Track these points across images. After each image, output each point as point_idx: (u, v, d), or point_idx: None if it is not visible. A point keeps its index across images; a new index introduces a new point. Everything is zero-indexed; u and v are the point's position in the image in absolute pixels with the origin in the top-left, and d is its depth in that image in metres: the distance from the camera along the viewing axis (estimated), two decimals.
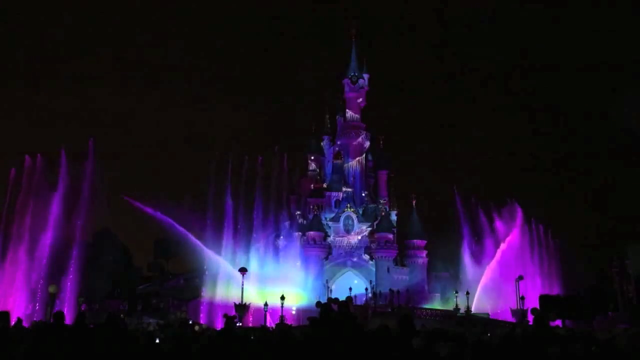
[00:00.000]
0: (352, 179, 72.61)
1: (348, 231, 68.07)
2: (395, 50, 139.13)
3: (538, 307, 44.74)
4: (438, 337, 9.16)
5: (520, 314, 46.26)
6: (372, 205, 71.69)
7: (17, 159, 47.88)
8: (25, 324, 29.01)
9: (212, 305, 54.38)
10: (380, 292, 61.36)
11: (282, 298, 47.17)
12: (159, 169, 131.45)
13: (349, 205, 68.60)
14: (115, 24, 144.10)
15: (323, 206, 70.82)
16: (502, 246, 61.87)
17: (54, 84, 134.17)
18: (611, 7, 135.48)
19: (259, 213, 62.53)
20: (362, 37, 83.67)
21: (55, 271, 44.86)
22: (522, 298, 47.91)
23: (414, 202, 71.88)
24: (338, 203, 70.52)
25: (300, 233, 67.77)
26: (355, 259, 66.49)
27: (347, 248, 67.12)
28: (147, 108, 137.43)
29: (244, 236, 60.10)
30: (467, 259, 64.02)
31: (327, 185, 72.71)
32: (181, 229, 53.97)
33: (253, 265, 56.21)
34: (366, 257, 66.71)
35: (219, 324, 45.27)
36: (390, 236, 67.27)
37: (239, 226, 59.99)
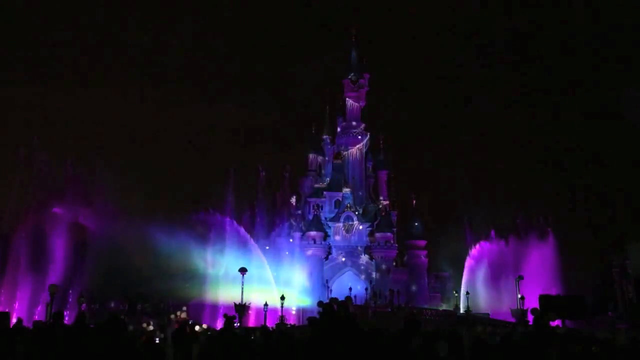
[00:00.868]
0: (352, 179, 72.63)
1: (348, 231, 68.08)
2: (395, 51, 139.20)
3: (537, 307, 44.69)
4: (438, 337, 9.17)
5: (520, 314, 46.22)
6: (372, 205, 71.72)
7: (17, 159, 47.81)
8: (25, 324, 29.01)
9: (213, 305, 54.38)
10: (380, 292, 61.40)
11: (282, 298, 47.20)
12: (159, 169, 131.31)
13: (349, 205, 68.62)
14: (116, 24, 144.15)
15: (323, 206, 70.88)
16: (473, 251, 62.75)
17: (54, 84, 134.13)
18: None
19: (260, 213, 62.57)
20: (362, 37, 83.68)
21: (56, 271, 44.92)
22: (522, 298, 47.89)
23: (414, 202, 72.01)
24: (338, 203, 70.56)
25: (300, 233, 67.83)
26: (355, 259, 66.51)
27: (347, 248, 67.13)
28: (147, 108, 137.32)
29: (244, 236, 60.08)
30: (467, 259, 64.03)
31: (327, 185, 72.74)
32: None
33: (254, 265, 56.17)
34: (366, 257, 66.74)
35: (220, 324, 45.29)
36: (390, 236, 67.30)
37: (239, 226, 59.98)
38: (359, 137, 74.79)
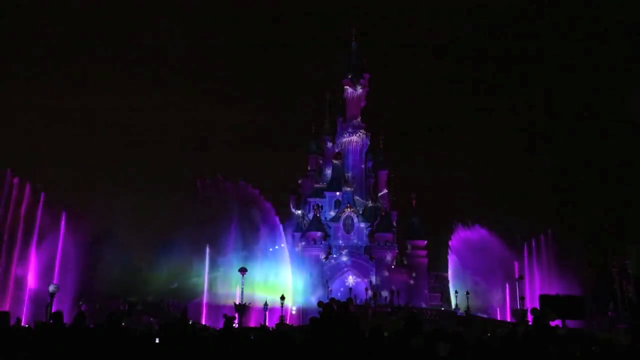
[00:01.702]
0: (352, 179, 72.63)
1: (348, 231, 68.06)
2: (395, 50, 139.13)
3: (537, 307, 44.71)
4: (438, 337, 9.16)
5: (520, 314, 46.28)
6: (372, 205, 71.71)
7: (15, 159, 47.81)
8: (24, 324, 29.00)
9: (213, 305, 54.39)
10: (380, 292, 61.41)
11: (282, 298, 47.20)
12: (159, 168, 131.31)
13: (349, 205, 68.61)
14: (116, 24, 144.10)
15: (323, 206, 70.87)
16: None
17: (54, 83, 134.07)
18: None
19: (260, 212, 62.52)
20: (362, 37, 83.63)
21: (56, 271, 44.93)
22: (522, 298, 47.95)
23: (414, 202, 72.00)
24: (338, 203, 70.54)
25: (300, 233, 67.81)
26: (355, 259, 66.48)
27: (347, 248, 67.11)
28: (147, 107, 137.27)
29: (245, 236, 60.07)
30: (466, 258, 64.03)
31: (327, 185, 72.73)
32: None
33: (254, 265, 56.18)
34: (366, 257, 66.72)
35: (220, 324, 45.23)
36: (390, 236, 67.29)
37: (240, 226, 59.97)
38: (359, 137, 74.79)
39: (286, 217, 69.41)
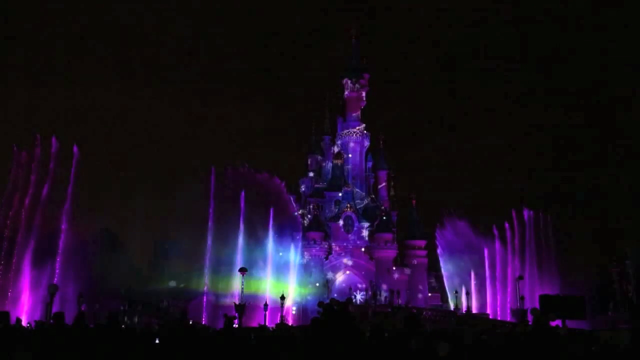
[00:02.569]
0: (352, 179, 72.61)
1: (348, 231, 68.03)
2: (395, 50, 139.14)
3: (537, 306, 44.70)
4: (438, 337, 9.15)
5: (520, 314, 46.24)
6: (372, 205, 71.69)
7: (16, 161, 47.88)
8: (24, 324, 28.98)
9: (213, 305, 54.34)
10: (380, 292, 61.39)
11: (282, 298, 47.15)
12: (159, 168, 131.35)
13: (349, 205, 68.57)
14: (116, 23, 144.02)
15: (323, 206, 70.82)
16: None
17: (54, 83, 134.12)
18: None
19: (261, 212, 62.47)
20: (362, 37, 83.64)
21: (56, 271, 44.93)
22: (522, 298, 47.90)
23: (413, 202, 72.01)
24: (338, 203, 70.50)
25: (300, 233, 67.77)
26: (355, 259, 66.46)
27: (347, 248, 67.09)
28: (146, 107, 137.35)
29: (245, 236, 60.02)
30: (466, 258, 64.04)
31: (327, 185, 72.70)
32: None
33: (254, 266, 56.12)
34: (366, 257, 66.69)
35: (220, 324, 45.16)
36: (390, 236, 67.29)
37: (240, 226, 59.92)
38: (359, 137, 74.78)
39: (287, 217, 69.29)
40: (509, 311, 52.00)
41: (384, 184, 75.19)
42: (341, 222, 68.14)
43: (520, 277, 49.45)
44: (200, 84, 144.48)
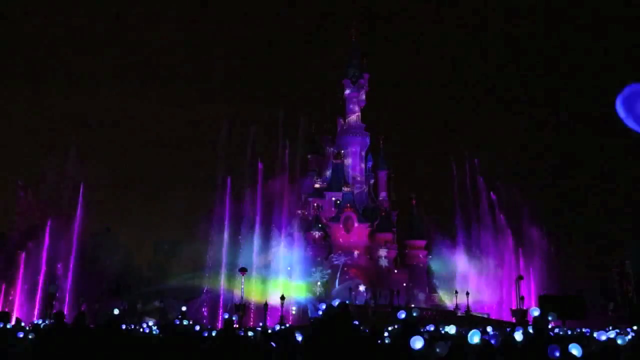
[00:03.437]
0: (352, 179, 72.62)
1: (348, 231, 68.01)
2: (395, 50, 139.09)
3: (537, 307, 44.68)
4: (438, 337, 9.16)
5: (520, 314, 46.24)
6: (372, 205, 71.67)
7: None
8: (24, 324, 28.98)
9: (213, 305, 54.39)
10: (380, 292, 61.36)
11: (282, 298, 47.13)
12: (160, 168, 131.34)
13: (349, 205, 68.55)
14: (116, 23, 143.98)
15: (323, 206, 70.82)
16: None
17: (54, 83, 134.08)
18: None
19: (261, 213, 62.52)
20: (362, 37, 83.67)
21: (56, 271, 44.98)
22: (522, 298, 47.93)
23: (413, 202, 72.01)
24: (338, 203, 70.51)
25: (300, 233, 67.72)
26: (355, 259, 66.42)
27: (347, 248, 67.06)
28: (146, 107, 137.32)
29: (245, 236, 60.08)
30: (466, 258, 64.07)
31: (327, 185, 72.71)
32: None
33: (254, 266, 56.17)
34: (366, 257, 66.65)
35: (220, 324, 45.27)
36: (390, 236, 67.22)
37: (240, 226, 59.98)
38: (359, 137, 74.82)
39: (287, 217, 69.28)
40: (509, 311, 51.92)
41: (384, 184, 75.20)
42: (341, 222, 68.11)
43: (520, 277, 49.47)
44: (199, 84, 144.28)
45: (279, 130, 62.27)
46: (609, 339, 12.71)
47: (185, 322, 23.26)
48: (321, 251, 66.33)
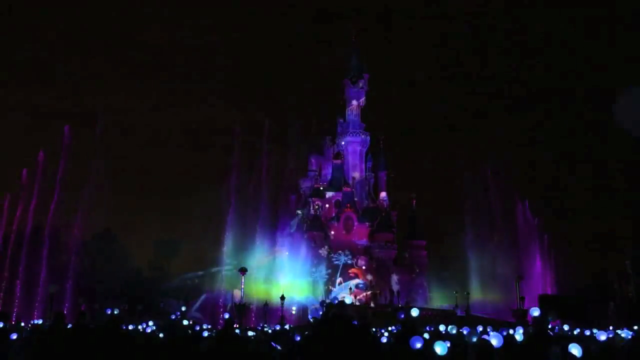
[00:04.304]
0: (352, 179, 72.65)
1: (348, 231, 68.05)
2: (395, 51, 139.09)
3: (537, 307, 44.67)
4: (438, 337, 9.17)
5: (520, 314, 46.21)
6: (372, 206, 71.71)
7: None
8: (24, 324, 29.01)
9: (213, 305, 54.44)
10: (380, 292, 61.37)
11: (282, 298, 47.14)
12: (160, 168, 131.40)
13: (349, 205, 68.57)
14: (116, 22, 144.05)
15: (323, 206, 70.87)
16: None
17: (53, 83, 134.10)
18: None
19: (261, 213, 62.60)
20: (362, 38, 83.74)
21: (55, 272, 45.02)
22: (522, 298, 47.89)
23: (413, 202, 72.03)
24: (338, 203, 70.54)
25: (300, 233, 67.79)
26: (355, 259, 66.44)
27: (347, 248, 67.06)
28: (146, 106, 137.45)
29: (245, 236, 60.14)
30: (467, 258, 64.10)
31: (327, 186, 72.76)
32: None
33: (254, 266, 56.19)
34: (366, 257, 66.67)
35: (220, 324, 45.21)
36: (390, 236, 67.25)
37: (240, 226, 60.04)
38: (359, 137, 74.88)
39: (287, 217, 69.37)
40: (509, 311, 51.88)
41: (384, 184, 75.25)
42: (341, 222, 68.16)
43: (520, 277, 49.43)
44: (199, 84, 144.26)
45: (279, 131, 62.21)
46: (609, 339, 12.73)
47: (185, 322, 23.26)
48: (321, 251, 66.34)
